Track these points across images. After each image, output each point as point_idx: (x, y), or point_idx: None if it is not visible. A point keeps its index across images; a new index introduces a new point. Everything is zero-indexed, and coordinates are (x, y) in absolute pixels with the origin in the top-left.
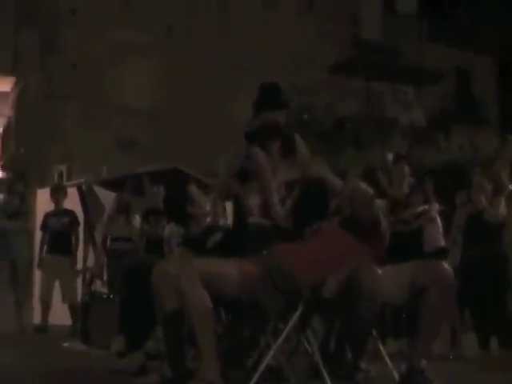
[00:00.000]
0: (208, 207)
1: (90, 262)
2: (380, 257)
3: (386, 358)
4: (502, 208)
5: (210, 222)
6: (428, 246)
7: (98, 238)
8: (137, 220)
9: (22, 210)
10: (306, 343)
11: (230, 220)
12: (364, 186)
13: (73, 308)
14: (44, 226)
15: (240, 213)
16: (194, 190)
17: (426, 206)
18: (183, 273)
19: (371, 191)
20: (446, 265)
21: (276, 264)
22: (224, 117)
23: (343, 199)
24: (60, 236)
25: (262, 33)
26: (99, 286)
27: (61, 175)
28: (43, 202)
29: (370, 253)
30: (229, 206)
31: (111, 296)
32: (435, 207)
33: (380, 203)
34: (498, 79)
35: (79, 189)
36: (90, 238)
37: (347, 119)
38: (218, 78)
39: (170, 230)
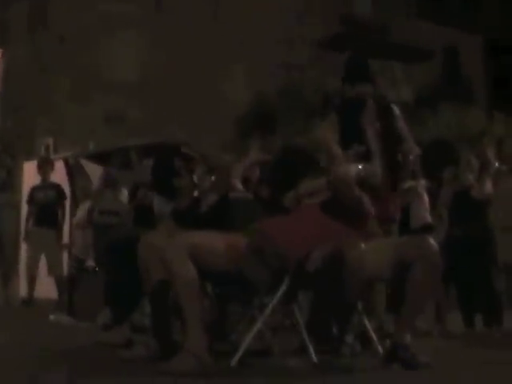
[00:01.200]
0: (195, 180)
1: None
2: (364, 234)
3: (372, 333)
4: (489, 185)
5: (197, 195)
6: (414, 222)
7: (82, 211)
8: (124, 194)
9: (8, 182)
10: (292, 318)
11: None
12: (345, 169)
13: (59, 281)
14: (30, 199)
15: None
16: (179, 164)
17: (413, 182)
18: (169, 244)
19: (352, 174)
20: (431, 240)
21: (261, 237)
22: (212, 92)
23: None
24: (46, 209)
25: (252, 9)
26: (85, 259)
27: (48, 148)
28: (30, 174)
29: (353, 232)
30: None
31: (97, 269)
32: (422, 183)
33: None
34: (486, 57)
35: (66, 162)
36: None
37: (336, 95)
38: (208, 52)
39: (161, 201)
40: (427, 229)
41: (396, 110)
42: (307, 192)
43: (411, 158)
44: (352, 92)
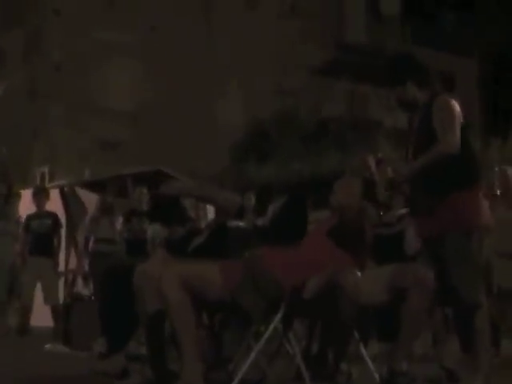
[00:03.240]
0: (191, 211)
1: (72, 264)
2: (362, 263)
3: (368, 360)
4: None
5: (193, 226)
6: (409, 249)
7: (80, 239)
8: (120, 221)
9: (5, 211)
10: (287, 346)
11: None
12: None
13: (55, 310)
14: (26, 228)
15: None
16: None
17: (406, 209)
18: (164, 275)
19: (359, 203)
20: (424, 268)
21: (258, 266)
22: (207, 118)
23: (334, 209)
24: (42, 238)
25: (246, 34)
26: (81, 288)
27: (43, 177)
28: (25, 203)
29: (353, 260)
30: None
31: (93, 298)
32: None
33: (371, 210)
34: (481, 82)
35: (61, 190)
36: (72, 240)
37: (331, 121)
38: (202, 79)
39: (155, 230)
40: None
41: None
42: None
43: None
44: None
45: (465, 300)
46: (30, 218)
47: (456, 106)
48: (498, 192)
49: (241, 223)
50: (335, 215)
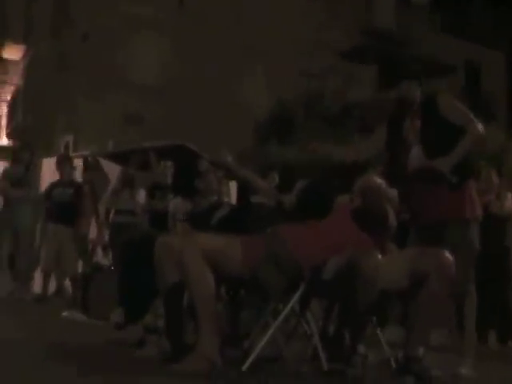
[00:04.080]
0: (215, 185)
1: (93, 233)
2: (383, 246)
3: (384, 344)
4: (509, 201)
5: (216, 200)
6: None
7: (102, 210)
8: (141, 194)
9: (27, 178)
10: (305, 325)
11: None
12: (378, 181)
13: (73, 279)
14: (48, 196)
15: (244, 192)
16: (204, 165)
17: None
18: (186, 247)
19: (383, 186)
20: (447, 253)
21: (279, 244)
22: (232, 97)
23: (356, 192)
24: (64, 206)
25: (274, 16)
26: (101, 258)
27: (67, 146)
28: (49, 171)
29: (374, 243)
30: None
31: (112, 268)
32: None
33: (394, 193)
34: (508, 75)
35: (85, 160)
36: (93, 210)
37: (356, 106)
38: (228, 57)
39: (176, 205)
40: None
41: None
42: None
43: None
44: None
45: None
46: (53, 185)
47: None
48: None
49: (264, 200)
50: (358, 198)
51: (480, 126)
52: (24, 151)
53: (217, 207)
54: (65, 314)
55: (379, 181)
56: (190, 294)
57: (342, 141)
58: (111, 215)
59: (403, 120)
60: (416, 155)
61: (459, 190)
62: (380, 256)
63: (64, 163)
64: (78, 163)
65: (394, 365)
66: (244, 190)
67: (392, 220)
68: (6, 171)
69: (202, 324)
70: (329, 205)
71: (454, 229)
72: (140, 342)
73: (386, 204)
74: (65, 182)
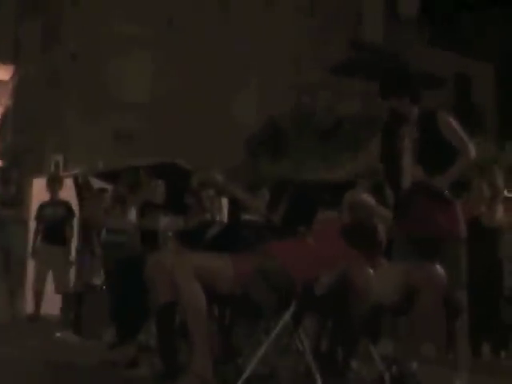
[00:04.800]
0: (207, 203)
1: None
2: (374, 261)
3: (377, 359)
4: (500, 213)
5: (207, 217)
6: None
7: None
8: (132, 213)
9: (17, 198)
10: (297, 342)
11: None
12: (365, 197)
13: (65, 298)
14: (39, 216)
15: (235, 210)
16: (195, 183)
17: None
18: (178, 266)
19: (371, 203)
20: (439, 268)
21: (270, 260)
22: (223, 112)
23: (345, 208)
24: (55, 226)
25: (263, 31)
26: (92, 278)
27: (57, 165)
28: (39, 191)
29: (365, 258)
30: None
31: (104, 287)
32: None
33: (384, 212)
34: (498, 87)
35: (75, 179)
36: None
37: (346, 119)
38: (218, 73)
39: (167, 223)
40: None
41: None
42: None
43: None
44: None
45: (452, 303)
46: (43, 206)
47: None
48: None
49: (254, 217)
50: (347, 214)
51: (473, 149)
52: (12, 171)
53: (208, 225)
54: (57, 334)
55: (367, 197)
56: (182, 312)
57: (333, 155)
58: (102, 234)
59: (397, 130)
60: (409, 165)
61: (453, 209)
62: (371, 270)
63: (54, 183)
64: (68, 182)
65: (387, 380)
66: (235, 208)
67: (382, 235)
68: None
69: (196, 343)
70: (310, 218)
71: (449, 245)
72: (133, 361)
73: (375, 219)
74: (55, 201)
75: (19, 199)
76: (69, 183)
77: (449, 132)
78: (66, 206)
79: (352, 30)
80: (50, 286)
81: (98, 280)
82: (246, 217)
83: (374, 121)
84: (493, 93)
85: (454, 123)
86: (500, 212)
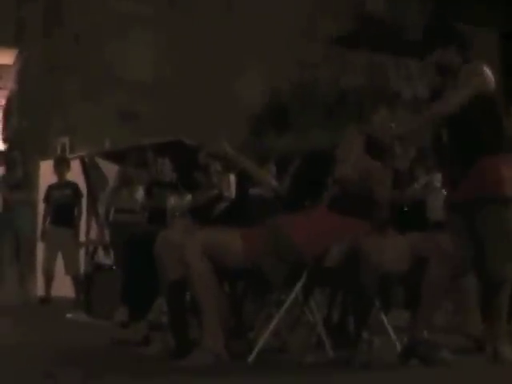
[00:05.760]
0: (215, 178)
1: (93, 234)
2: (382, 230)
3: (389, 329)
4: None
5: (216, 193)
6: (432, 215)
7: (101, 209)
8: (140, 192)
9: (24, 181)
10: (308, 314)
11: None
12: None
13: (76, 280)
14: (47, 198)
15: (243, 184)
16: (204, 158)
17: (428, 177)
18: (187, 243)
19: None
20: (447, 237)
21: (280, 234)
22: (226, 91)
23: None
24: (63, 208)
25: (265, 7)
26: (102, 258)
27: (64, 147)
28: (46, 174)
29: (368, 226)
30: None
31: (114, 267)
32: (437, 177)
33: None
34: (502, 53)
35: (82, 161)
36: (92, 210)
37: (350, 92)
38: (222, 51)
39: (175, 201)
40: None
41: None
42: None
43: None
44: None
45: (495, 274)
46: (51, 188)
47: (481, 73)
48: None
49: (262, 191)
50: (335, 188)
51: (452, 102)
52: (17, 154)
53: (217, 200)
54: (69, 315)
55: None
56: (192, 289)
57: (337, 128)
58: (111, 215)
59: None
60: None
61: (481, 165)
62: (381, 239)
63: (61, 165)
64: (76, 164)
65: (399, 349)
66: (242, 183)
67: (384, 198)
68: (3, 175)
69: (206, 319)
70: (319, 188)
71: (481, 209)
72: (145, 339)
73: (371, 183)
74: (63, 183)
75: (26, 182)
76: (76, 165)
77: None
78: (74, 187)
79: (354, 1)
80: (60, 267)
81: (108, 260)
82: (254, 191)
83: (378, 93)
84: (497, 60)
85: (467, 75)
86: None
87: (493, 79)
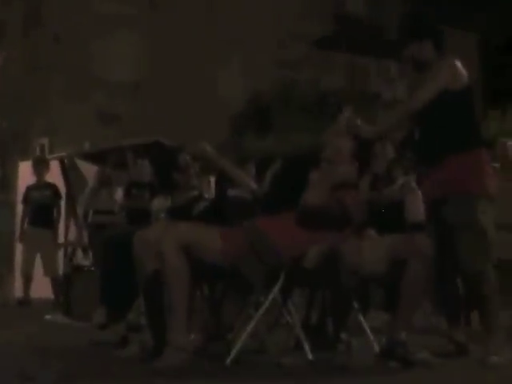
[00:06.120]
0: (195, 180)
1: (72, 235)
2: (361, 233)
3: (367, 330)
4: None
5: (195, 194)
6: (410, 217)
7: (80, 211)
8: (119, 193)
9: (3, 182)
10: (287, 316)
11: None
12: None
13: (54, 281)
14: (26, 199)
15: (222, 185)
16: (183, 159)
17: (407, 178)
18: (165, 236)
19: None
20: (425, 238)
21: (258, 235)
22: (207, 90)
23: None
24: (42, 209)
25: (247, 7)
26: (81, 259)
27: (43, 148)
28: (25, 174)
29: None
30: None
31: (92, 268)
32: (415, 178)
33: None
34: (481, 55)
35: (61, 162)
36: (71, 211)
37: (330, 94)
38: (203, 51)
39: (159, 203)
40: (421, 225)
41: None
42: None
43: None
44: None
45: (468, 268)
46: (29, 189)
47: (451, 67)
48: (497, 164)
49: (241, 192)
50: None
51: (420, 97)
52: None
53: (196, 201)
54: (48, 317)
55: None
56: (166, 280)
57: (317, 129)
58: (90, 216)
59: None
60: None
61: (451, 162)
62: (359, 242)
63: (40, 166)
64: (55, 165)
65: (377, 349)
66: (221, 184)
67: (354, 209)
68: None
69: (175, 316)
70: (299, 191)
71: (451, 205)
72: (123, 340)
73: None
74: (42, 184)
75: (5, 183)
76: (55, 166)
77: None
78: (53, 188)
79: (333, 2)
80: (39, 268)
81: (87, 261)
82: (232, 192)
83: (358, 94)
84: (476, 62)
85: (439, 69)
86: None
87: (465, 74)
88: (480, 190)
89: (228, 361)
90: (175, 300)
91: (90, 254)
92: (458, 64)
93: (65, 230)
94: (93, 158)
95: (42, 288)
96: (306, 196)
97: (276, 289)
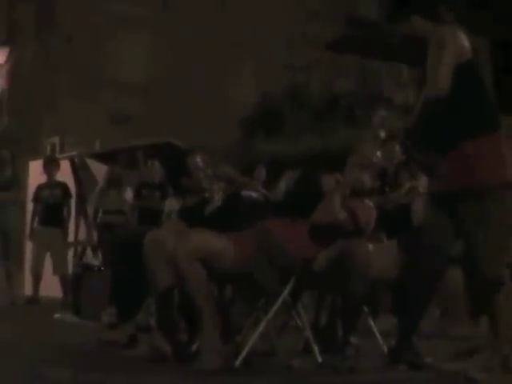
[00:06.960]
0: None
1: (82, 234)
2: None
3: (376, 333)
4: None
5: (206, 196)
6: (417, 221)
7: (90, 210)
8: (128, 193)
9: (13, 181)
10: (296, 319)
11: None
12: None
13: (64, 280)
14: (36, 198)
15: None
16: (193, 162)
17: (414, 182)
18: (179, 248)
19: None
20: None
21: (269, 238)
22: (218, 92)
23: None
24: (52, 208)
25: (259, 9)
26: (90, 258)
27: (54, 147)
28: (36, 173)
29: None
30: None
31: (102, 268)
32: (423, 182)
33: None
34: (493, 58)
35: (72, 161)
36: (81, 210)
37: (342, 97)
38: (214, 53)
39: (171, 204)
40: None
41: None
42: None
43: None
44: None
45: (484, 273)
46: (40, 187)
47: (457, 39)
48: None
49: (253, 193)
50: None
51: (441, 81)
52: (6, 154)
53: (206, 202)
54: (57, 315)
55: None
56: (186, 292)
57: (328, 133)
58: (99, 215)
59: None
60: None
61: (466, 149)
62: (370, 245)
63: (51, 165)
64: (65, 164)
65: (386, 353)
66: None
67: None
68: None
69: (207, 321)
70: (316, 201)
71: (465, 201)
72: (132, 340)
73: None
74: (52, 183)
75: (15, 182)
76: (66, 165)
77: (430, 54)
78: (63, 187)
79: (345, 5)
80: (48, 267)
81: (97, 261)
82: (244, 193)
83: (369, 97)
84: (489, 65)
85: (442, 43)
86: None
87: (468, 44)
88: (501, 180)
89: (237, 363)
90: (205, 310)
91: (100, 253)
92: (461, 34)
93: (75, 229)
94: (103, 157)
95: (51, 287)
96: (320, 209)
97: (285, 291)
